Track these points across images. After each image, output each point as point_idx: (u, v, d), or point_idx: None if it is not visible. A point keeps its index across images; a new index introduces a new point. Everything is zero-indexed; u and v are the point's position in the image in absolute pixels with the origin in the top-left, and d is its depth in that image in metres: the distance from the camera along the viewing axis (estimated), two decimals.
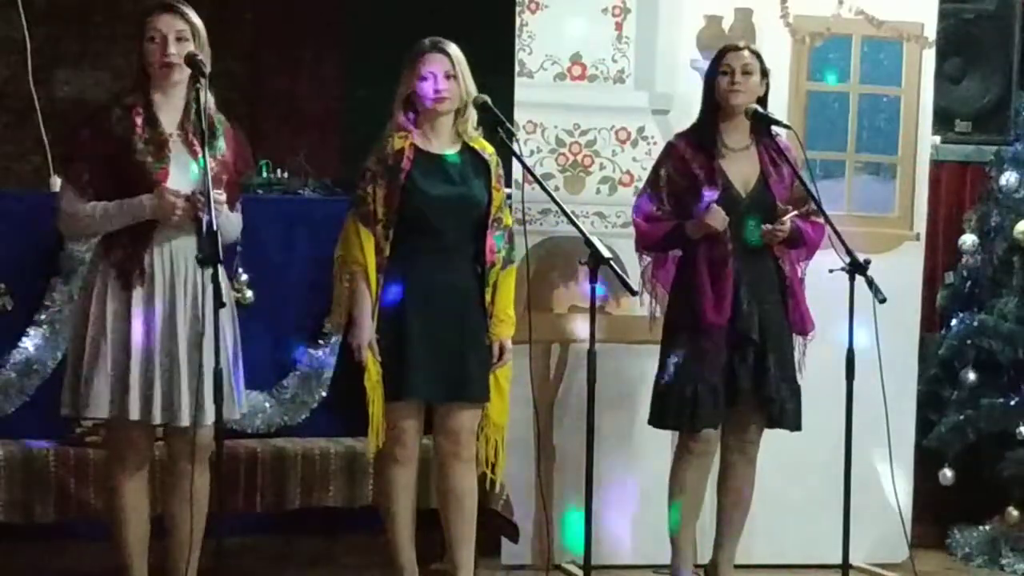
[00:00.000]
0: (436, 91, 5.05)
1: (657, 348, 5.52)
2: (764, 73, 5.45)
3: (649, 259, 5.59)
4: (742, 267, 5.38)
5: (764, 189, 5.44)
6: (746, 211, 5.36)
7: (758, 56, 5.44)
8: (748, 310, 5.38)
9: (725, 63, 5.41)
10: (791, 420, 5.47)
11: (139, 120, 4.76)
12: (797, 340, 5.52)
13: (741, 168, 5.44)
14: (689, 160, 5.43)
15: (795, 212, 5.38)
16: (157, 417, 4.74)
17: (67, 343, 5.58)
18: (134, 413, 4.71)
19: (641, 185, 5.66)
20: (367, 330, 5.02)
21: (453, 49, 5.08)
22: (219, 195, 4.68)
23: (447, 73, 5.05)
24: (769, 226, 5.35)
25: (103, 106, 4.87)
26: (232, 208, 4.89)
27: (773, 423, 5.48)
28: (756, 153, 5.47)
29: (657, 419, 5.50)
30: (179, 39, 4.75)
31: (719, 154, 5.42)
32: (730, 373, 5.38)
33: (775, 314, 5.43)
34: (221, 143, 4.86)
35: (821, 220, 5.51)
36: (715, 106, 5.44)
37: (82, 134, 4.85)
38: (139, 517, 4.88)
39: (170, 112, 4.80)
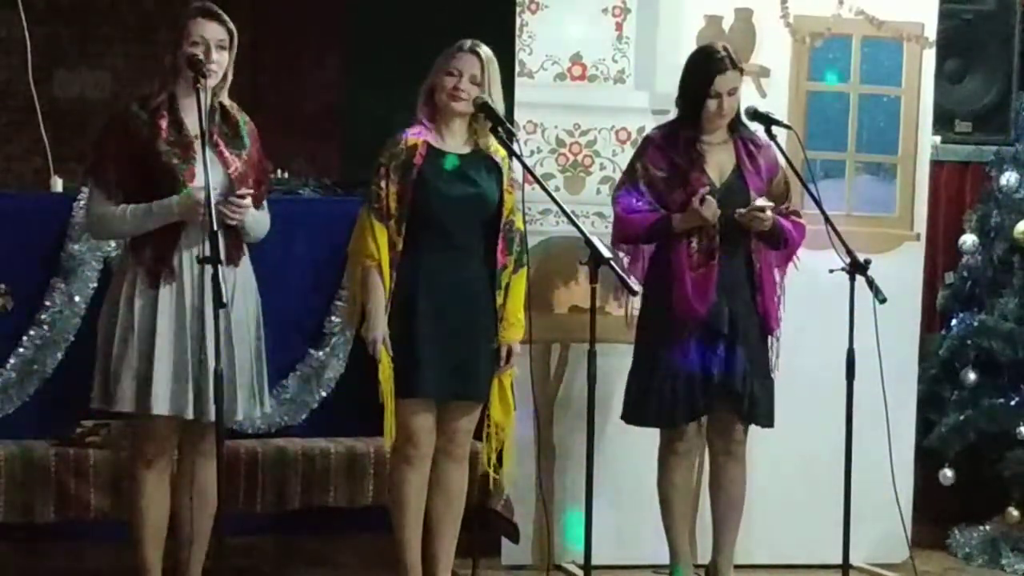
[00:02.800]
0: (456, 88, 5.06)
1: None
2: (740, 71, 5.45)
3: (623, 254, 5.59)
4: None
5: (739, 180, 5.43)
6: (720, 202, 5.34)
7: (739, 68, 5.41)
8: (719, 305, 5.38)
9: (714, 89, 5.36)
10: (763, 416, 5.47)
11: (164, 123, 4.82)
12: (769, 337, 5.52)
13: (717, 160, 5.44)
14: (668, 152, 5.42)
15: (768, 202, 5.37)
16: (189, 413, 4.78)
17: (67, 343, 5.64)
18: (160, 408, 4.77)
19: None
20: (381, 323, 5.03)
21: (488, 55, 5.09)
22: (246, 193, 4.78)
23: (473, 77, 5.06)
24: (743, 210, 5.33)
25: (128, 108, 4.91)
26: (259, 207, 4.95)
27: (745, 418, 5.48)
28: (733, 147, 5.47)
29: (636, 417, 5.50)
30: (220, 47, 4.82)
31: (695, 146, 5.42)
32: (703, 367, 5.39)
33: (746, 309, 5.43)
34: (246, 142, 4.93)
35: (802, 220, 5.52)
36: (697, 112, 5.41)
37: (108, 137, 4.92)
38: (158, 513, 4.92)
39: (194, 114, 4.82)
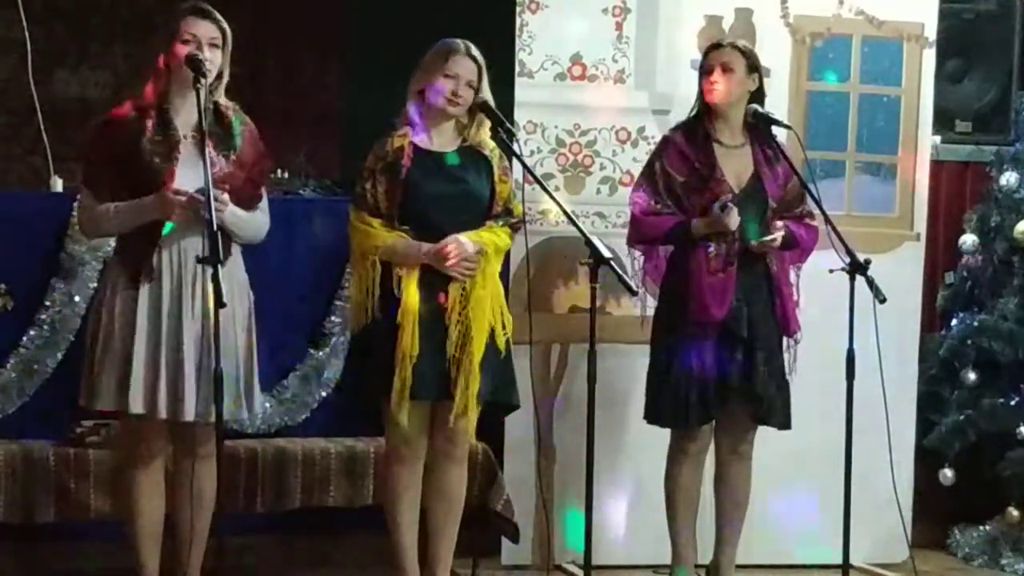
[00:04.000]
0: (455, 94, 5.05)
1: None
2: (753, 68, 5.44)
3: (639, 253, 5.59)
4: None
5: (757, 186, 5.44)
6: (738, 207, 5.35)
7: (743, 52, 5.44)
8: (738, 308, 5.38)
9: (707, 61, 5.44)
10: (779, 418, 5.48)
11: (150, 122, 4.82)
12: (786, 339, 5.52)
13: (735, 164, 5.45)
14: (687, 154, 5.43)
15: (782, 227, 5.38)
16: (163, 412, 4.78)
17: (67, 343, 5.65)
18: (136, 407, 4.77)
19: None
20: (426, 244, 4.99)
21: (481, 59, 5.08)
22: (220, 195, 4.73)
23: (470, 82, 5.05)
24: (754, 243, 5.35)
25: (118, 107, 4.92)
26: (252, 208, 4.94)
27: (761, 420, 5.48)
28: (751, 151, 5.47)
29: (654, 416, 5.50)
30: (212, 46, 4.82)
31: (714, 150, 5.43)
32: (720, 370, 5.39)
33: (764, 313, 5.44)
34: (238, 142, 4.91)
35: (815, 222, 5.53)
36: (705, 103, 5.46)
37: (96, 136, 4.92)
38: (153, 513, 4.93)
39: (186, 114, 4.84)
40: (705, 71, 5.44)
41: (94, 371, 4.86)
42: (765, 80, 5.75)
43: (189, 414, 4.78)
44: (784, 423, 5.50)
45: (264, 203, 5.04)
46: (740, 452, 5.54)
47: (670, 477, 5.53)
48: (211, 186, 4.62)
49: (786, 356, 5.52)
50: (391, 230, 5.03)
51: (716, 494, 5.59)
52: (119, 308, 4.82)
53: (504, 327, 5.13)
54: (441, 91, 5.06)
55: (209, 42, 4.81)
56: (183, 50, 4.79)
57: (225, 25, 4.87)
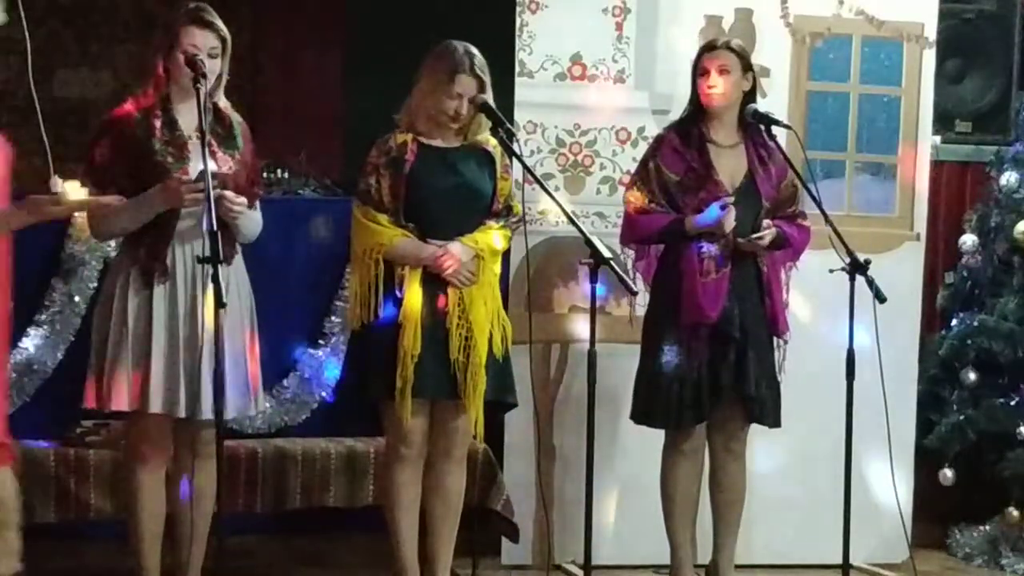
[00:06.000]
0: (457, 113, 5.05)
1: None
2: (747, 67, 5.44)
3: (631, 252, 5.59)
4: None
5: (751, 186, 5.43)
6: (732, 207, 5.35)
7: (737, 52, 5.43)
8: (730, 308, 5.38)
9: (702, 64, 5.43)
10: (771, 417, 5.48)
11: (158, 123, 4.83)
12: (775, 339, 5.52)
13: (729, 164, 5.44)
14: (682, 153, 5.43)
15: (771, 229, 5.38)
16: (182, 411, 4.80)
17: (67, 343, 5.65)
18: (155, 406, 4.78)
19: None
20: (429, 247, 5.00)
21: (484, 71, 5.05)
22: (238, 197, 4.79)
23: (471, 98, 5.05)
24: (742, 240, 5.35)
25: (119, 108, 4.92)
26: (251, 206, 4.96)
27: (753, 419, 5.48)
28: (745, 150, 5.47)
29: (643, 417, 5.50)
30: (212, 56, 4.82)
31: (708, 149, 5.42)
32: (712, 370, 5.39)
33: (755, 313, 5.43)
34: (240, 142, 4.94)
35: (806, 223, 5.52)
36: (700, 104, 5.45)
37: (102, 137, 4.93)
38: (155, 513, 4.93)
39: (188, 115, 4.85)
40: (700, 73, 5.43)
41: (105, 372, 4.84)
42: (765, 80, 5.77)
43: (207, 412, 4.77)
44: (775, 422, 5.50)
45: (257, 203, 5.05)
46: (734, 451, 5.53)
47: (666, 477, 5.53)
48: (224, 187, 4.68)
49: (776, 355, 5.52)
50: (396, 227, 5.03)
51: (711, 494, 5.58)
52: (133, 308, 4.82)
53: (502, 328, 5.13)
54: (445, 111, 5.02)
55: (209, 52, 4.81)
56: (183, 60, 4.79)
57: (225, 32, 4.86)
